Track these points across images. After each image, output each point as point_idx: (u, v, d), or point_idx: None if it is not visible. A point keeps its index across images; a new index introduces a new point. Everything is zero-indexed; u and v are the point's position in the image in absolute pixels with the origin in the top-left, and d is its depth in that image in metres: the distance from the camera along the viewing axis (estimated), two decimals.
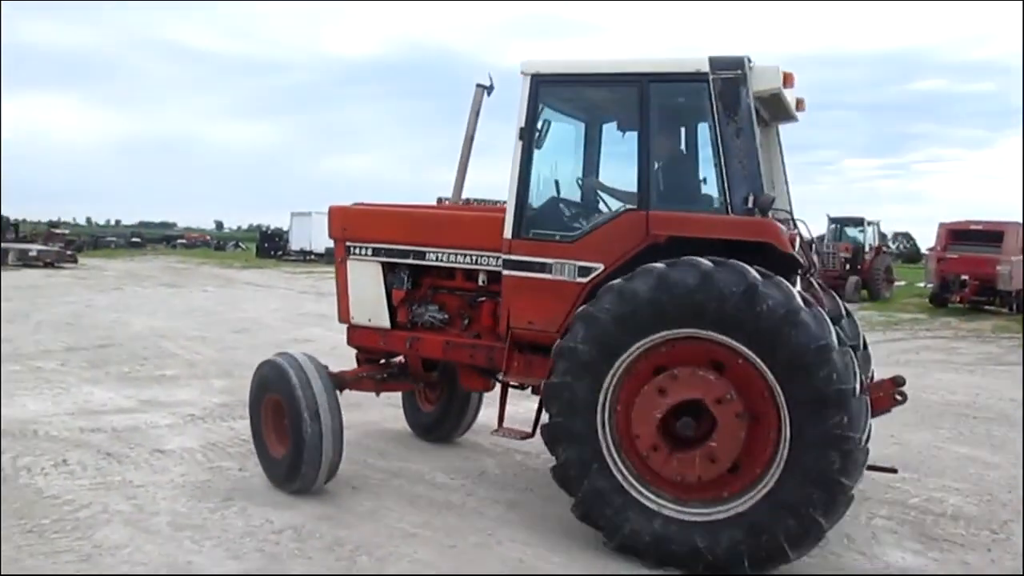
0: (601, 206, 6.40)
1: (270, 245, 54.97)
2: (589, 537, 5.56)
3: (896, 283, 34.11)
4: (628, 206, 5.83)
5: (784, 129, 6.63)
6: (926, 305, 27.03)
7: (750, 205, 5.29)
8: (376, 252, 6.89)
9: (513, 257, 5.96)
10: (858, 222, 31.93)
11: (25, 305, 19.30)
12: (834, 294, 6.59)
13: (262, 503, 6.07)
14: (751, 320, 4.83)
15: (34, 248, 38.41)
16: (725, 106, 5.40)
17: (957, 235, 27.17)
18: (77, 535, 5.34)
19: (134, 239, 71.33)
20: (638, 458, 5.28)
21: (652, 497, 5.24)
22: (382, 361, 7.32)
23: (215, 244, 76.39)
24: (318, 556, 5.16)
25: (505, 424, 6.17)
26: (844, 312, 6.37)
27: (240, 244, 75.74)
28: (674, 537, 5.11)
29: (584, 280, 5.67)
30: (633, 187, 5.73)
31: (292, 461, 6.20)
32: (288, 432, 6.23)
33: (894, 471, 6.25)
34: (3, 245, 38.93)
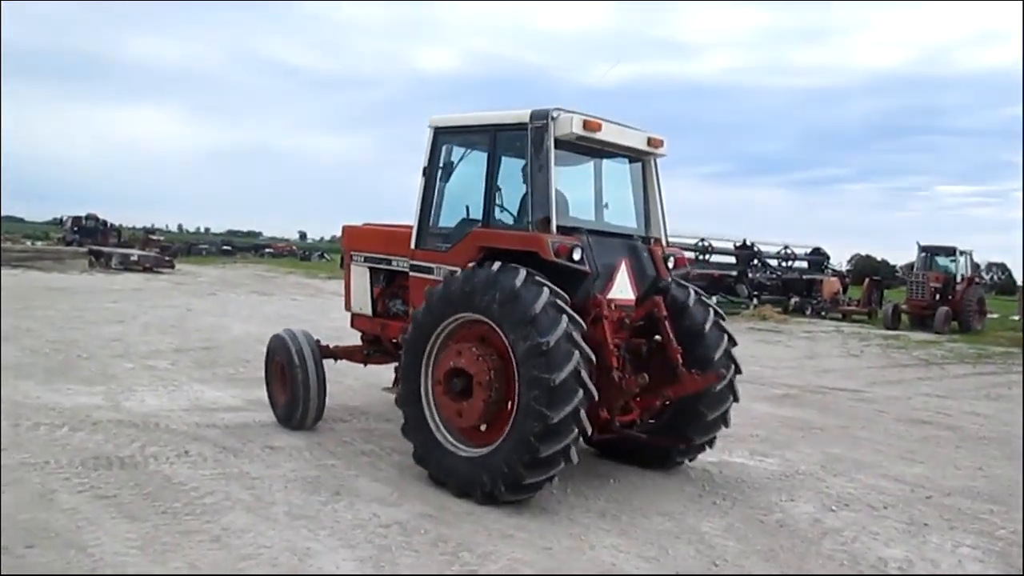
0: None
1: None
2: (681, 546, 5.86)
3: (989, 315, 33.09)
4: (480, 224, 7.33)
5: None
6: (1020, 339, 26.15)
7: (535, 223, 6.82)
8: (366, 259, 9.09)
9: (414, 262, 7.95)
10: (950, 251, 31.12)
11: (132, 307, 20.47)
12: (690, 287, 7.77)
13: (368, 499, 6.51)
14: (491, 300, 6.45)
15: (135, 253, 40.41)
16: (535, 148, 6.93)
17: None
18: (206, 518, 5.86)
19: (225, 247, 73.72)
20: (436, 401, 6.99)
21: (445, 435, 6.92)
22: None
23: (300, 254, 78.56)
24: (424, 550, 5.54)
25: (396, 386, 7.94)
26: (693, 301, 7.58)
27: (325, 255, 77.64)
28: (459, 468, 6.68)
29: None
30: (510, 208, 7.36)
31: (290, 405, 8.58)
32: (287, 384, 8.55)
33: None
34: (106, 249, 41.13)
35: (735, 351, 7.59)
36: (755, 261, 35.54)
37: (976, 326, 29.60)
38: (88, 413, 8.76)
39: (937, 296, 29.70)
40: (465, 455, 6.73)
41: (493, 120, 7.36)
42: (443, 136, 7.81)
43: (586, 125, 6.95)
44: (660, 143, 7.70)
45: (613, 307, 7.05)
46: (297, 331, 8.90)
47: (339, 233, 10.23)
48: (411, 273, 8.02)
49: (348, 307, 9.51)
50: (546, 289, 6.33)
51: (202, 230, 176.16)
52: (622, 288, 7.23)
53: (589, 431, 6.36)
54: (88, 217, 54.95)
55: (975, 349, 23.12)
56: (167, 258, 41.80)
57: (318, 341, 8.88)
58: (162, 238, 67.24)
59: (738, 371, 7.59)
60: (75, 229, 53.80)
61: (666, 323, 7.18)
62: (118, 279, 31.05)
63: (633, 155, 7.85)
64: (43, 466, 6.80)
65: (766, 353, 18.93)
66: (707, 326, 7.44)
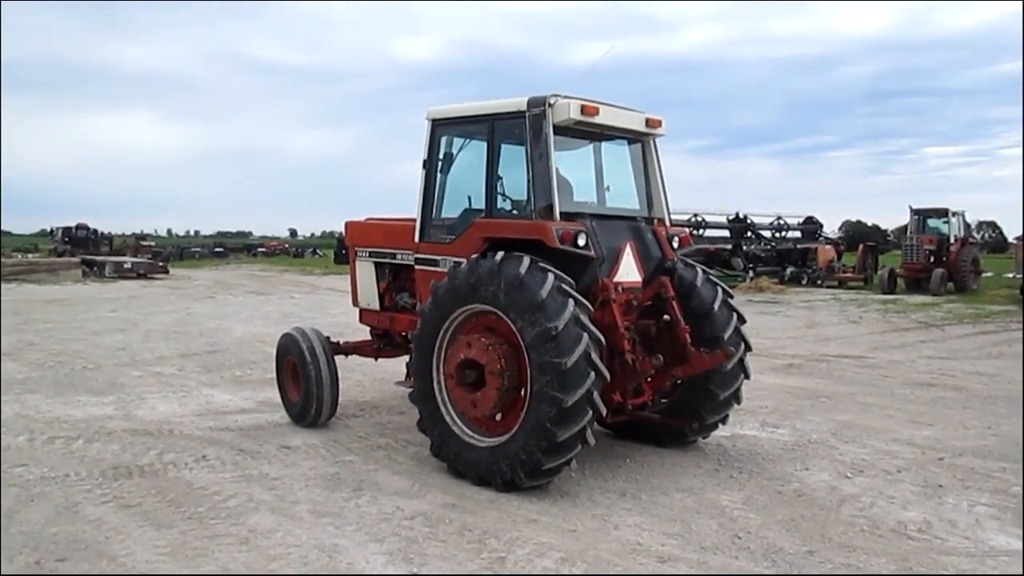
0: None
1: (347, 251, 56.18)
2: (703, 520, 5.94)
3: (983, 274, 33.24)
4: (483, 214, 7.33)
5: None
6: (1017, 296, 26.23)
7: (539, 211, 6.83)
8: (371, 254, 9.16)
9: (419, 255, 8.00)
10: (942, 213, 31.19)
11: (132, 315, 20.44)
12: (697, 267, 7.77)
13: (390, 493, 6.56)
14: (496, 289, 6.45)
15: (128, 260, 40.28)
16: (534, 136, 6.92)
17: None
18: (231, 521, 5.90)
19: (217, 249, 73.32)
20: (450, 395, 7.01)
21: (461, 427, 6.95)
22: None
23: (294, 252, 78.32)
24: (451, 540, 5.59)
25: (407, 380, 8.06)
26: (701, 280, 7.58)
27: (318, 251, 77.43)
28: (477, 459, 6.71)
29: None
30: (517, 196, 7.29)
31: (304, 402, 8.63)
32: (300, 382, 8.63)
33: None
34: (99, 258, 40.99)
35: (744, 328, 7.63)
36: (749, 233, 35.63)
37: (972, 286, 29.74)
38: (101, 424, 8.79)
39: (932, 258, 29.86)
40: (483, 445, 6.76)
41: (490, 109, 7.34)
42: (441, 128, 7.82)
43: (584, 110, 6.95)
44: (658, 123, 7.73)
45: (620, 290, 7.09)
46: (307, 328, 8.99)
47: (330, 228, 10.30)
48: (417, 266, 8.06)
49: (355, 302, 9.56)
50: (551, 275, 6.36)
51: (192, 233, 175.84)
52: (628, 270, 7.27)
53: (604, 413, 6.41)
54: (78, 227, 54.65)
55: (973, 309, 23.24)
56: (160, 263, 41.71)
57: (328, 338, 8.92)
58: (153, 243, 67.13)
59: (748, 349, 7.62)
60: (66, 240, 53.53)
61: (674, 303, 7.23)
62: (113, 287, 30.97)
63: (632, 136, 7.86)
64: (63, 479, 6.83)
65: (766, 324, 19.01)
66: (716, 305, 7.45)
